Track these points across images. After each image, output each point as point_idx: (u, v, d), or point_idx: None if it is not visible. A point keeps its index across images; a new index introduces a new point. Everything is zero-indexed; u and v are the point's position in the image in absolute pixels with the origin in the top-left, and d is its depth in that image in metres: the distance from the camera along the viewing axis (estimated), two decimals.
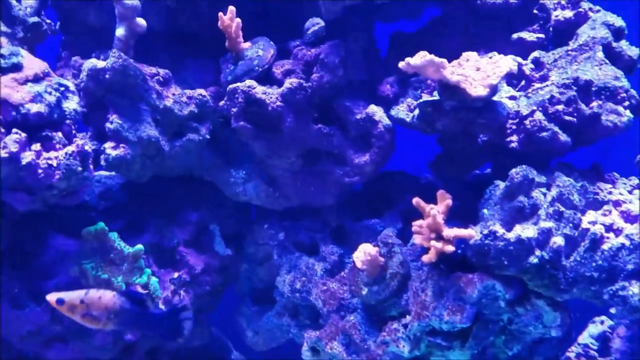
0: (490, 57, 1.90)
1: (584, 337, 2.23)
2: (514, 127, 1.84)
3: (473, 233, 1.67)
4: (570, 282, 1.68)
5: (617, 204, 1.79)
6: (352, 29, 2.13)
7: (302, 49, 2.07)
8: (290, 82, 1.99)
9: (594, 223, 1.71)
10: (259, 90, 1.99)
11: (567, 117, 1.78)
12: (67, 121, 1.72)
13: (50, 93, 1.68)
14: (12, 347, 1.85)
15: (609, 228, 1.71)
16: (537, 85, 1.94)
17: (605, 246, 1.67)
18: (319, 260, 2.14)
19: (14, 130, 1.58)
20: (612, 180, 1.90)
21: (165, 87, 2.00)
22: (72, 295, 1.52)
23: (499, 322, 1.77)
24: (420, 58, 1.71)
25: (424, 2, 2.24)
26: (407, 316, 1.80)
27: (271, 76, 2.06)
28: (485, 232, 1.67)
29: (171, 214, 2.20)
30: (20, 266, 1.82)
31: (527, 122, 1.80)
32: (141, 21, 1.91)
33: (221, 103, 2.06)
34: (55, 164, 1.61)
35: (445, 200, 1.73)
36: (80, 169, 1.67)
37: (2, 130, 1.56)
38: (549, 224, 1.66)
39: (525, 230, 1.65)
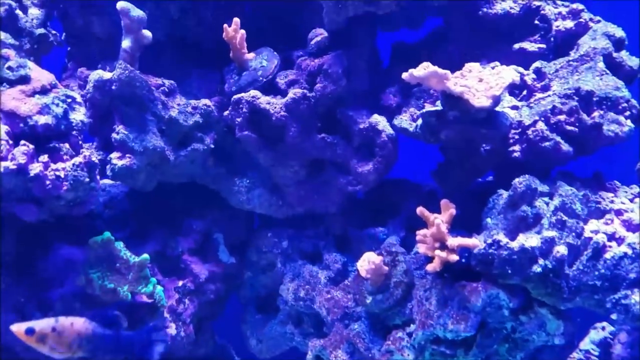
0: (493, 68, 1.92)
1: (585, 343, 2.24)
2: (516, 137, 1.86)
3: (477, 242, 1.69)
4: (573, 290, 1.69)
5: (619, 212, 1.80)
6: (355, 39, 2.15)
7: (305, 59, 2.09)
8: (294, 92, 2.01)
9: (596, 232, 1.73)
10: (263, 100, 2.01)
11: (569, 127, 1.80)
12: (74, 132, 1.73)
13: (57, 105, 1.69)
14: (17, 356, 1.86)
15: (611, 237, 1.73)
16: (538, 95, 1.96)
17: (607, 255, 1.69)
18: (323, 269, 2.15)
19: (22, 142, 1.59)
20: (614, 189, 1.91)
21: (170, 98, 2.02)
22: (42, 324, 1.50)
23: (502, 330, 1.78)
24: (424, 69, 1.73)
25: (425, 12, 2.26)
26: (412, 325, 1.81)
27: (275, 86, 2.08)
28: (489, 241, 1.69)
29: (175, 223, 2.22)
30: (26, 275, 1.83)
31: (529, 132, 1.82)
32: (147, 33, 1.92)
33: (226, 113, 2.07)
34: (62, 175, 1.63)
35: (449, 210, 1.74)
36: (87, 179, 1.68)
37: (11, 142, 1.58)
38: (552, 233, 1.68)
39: (529, 240, 1.67)
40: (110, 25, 2.08)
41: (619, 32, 2.01)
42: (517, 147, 1.85)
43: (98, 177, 1.79)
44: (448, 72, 1.74)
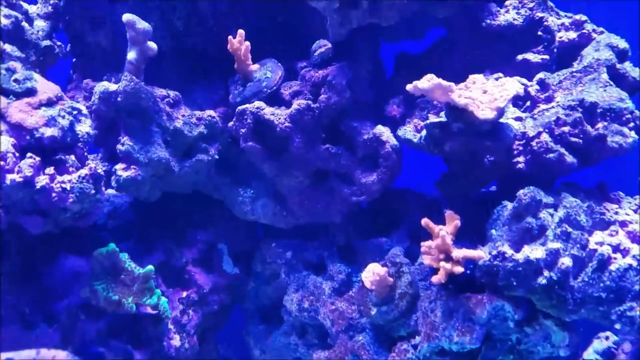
0: (497, 79, 1.92)
1: (589, 353, 2.24)
2: (520, 148, 1.86)
3: (482, 254, 1.69)
4: (578, 302, 1.69)
5: (623, 224, 1.80)
6: (359, 50, 2.16)
7: (309, 71, 2.09)
8: (298, 104, 2.01)
9: (601, 244, 1.72)
10: (268, 111, 2.02)
11: (573, 139, 1.81)
12: (80, 144, 1.74)
13: (63, 117, 1.70)
14: None
15: (616, 249, 1.73)
16: (542, 106, 1.96)
17: (612, 267, 1.69)
18: (327, 279, 2.15)
19: (29, 154, 1.60)
20: (618, 200, 1.91)
21: (175, 109, 2.03)
22: (24, 355, 1.49)
23: (507, 342, 1.78)
24: (428, 81, 1.73)
25: (429, 23, 2.27)
26: (417, 337, 1.81)
27: (279, 97, 2.09)
28: (494, 252, 1.69)
29: (180, 233, 2.22)
30: (31, 286, 1.83)
31: (533, 143, 1.82)
32: (152, 45, 1.93)
33: (230, 124, 2.08)
34: (68, 187, 1.63)
35: (453, 221, 1.74)
36: (93, 191, 1.69)
37: (17, 154, 1.58)
38: (557, 244, 1.68)
39: (534, 251, 1.67)
40: (115, 37, 2.09)
41: (622, 44, 2.02)
42: (521, 159, 1.85)
43: (103, 188, 1.79)
44: (452, 84, 1.74)
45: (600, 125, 1.84)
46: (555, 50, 2.11)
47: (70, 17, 2.16)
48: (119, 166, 1.91)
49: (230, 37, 1.99)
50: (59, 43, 2.11)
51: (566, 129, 1.81)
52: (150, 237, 2.19)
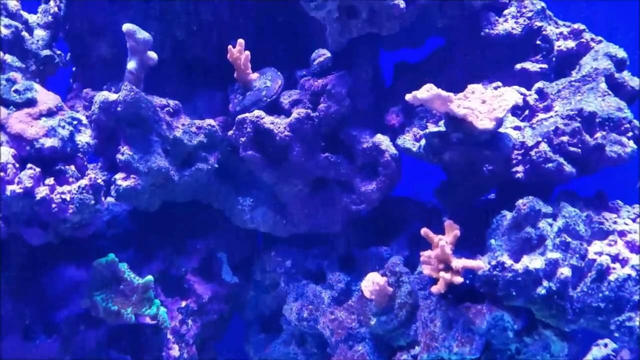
0: (495, 89, 1.93)
1: None
2: (519, 157, 1.86)
3: (481, 264, 1.69)
4: (578, 312, 1.69)
5: (622, 234, 1.80)
6: (358, 59, 2.16)
7: (309, 80, 2.10)
8: (297, 112, 2.02)
9: (600, 254, 1.73)
10: (267, 120, 2.02)
11: (571, 148, 1.81)
12: (80, 154, 1.75)
13: (63, 127, 1.70)
14: None
15: (614, 258, 1.73)
16: (541, 115, 1.97)
17: (611, 277, 1.69)
18: (326, 288, 2.15)
19: (29, 165, 1.60)
20: (617, 209, 1.91)
21: (175, 118, 2.03)
22: None
23: (507, 351, 1.78)
24: (427, 91, 1.74)
25: (428, 32, 2.28)
26: (416, 347, 1.81)
27: (279, 106, 2.10)
28: (494, 262, 1.69)
29: (179, 242, 2.22)
30: (31, 297, 1.83)
31: (532, 153, 1.82)
32: (152, 54, 1.94)
33: (230, 133, 2.09)
34: (68, 198, 1.63)
35: (453, 231, 1.74)
36: (92, 202, 1.69)
37: (17, 165, 1.58)
38: (556, 254, 1.68)
39: (533, 261, 1.67)
40: (116, 46, 2.10)
41: (621, 53, 2.02)
42: (520, 168, 1.85)
43: (103, 198, 1.79)
44: (451, 94, 1.75)
45: (598, 134, 1.85)
46: (553, 59, 2.12)
47: (70, 26, 2.16)
48: (119, 175, 1.91)
49: (230, 46, 1.99)
50: (59, 52, 2.12)
51: (565, 138, 1.82)
52: (149, 245, 2.19)
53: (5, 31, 1.88)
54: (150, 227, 2.22)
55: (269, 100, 2.07)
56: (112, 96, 1.90)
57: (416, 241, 2.02)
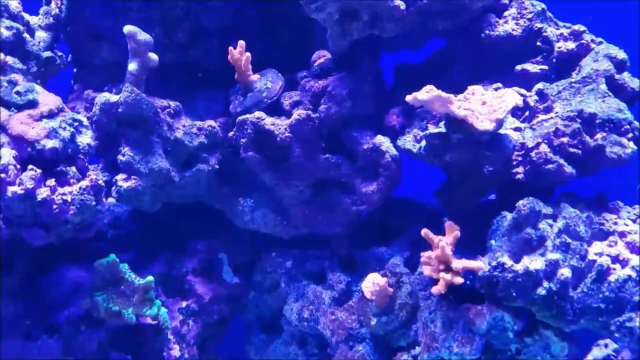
0: (496, 90, 1.93)
1: None
2: (519, 159, 1.86)
3: (482, 265, 1.69)
4: (578, 313, 1.69)
5: (622, 234, 1.81)
6: (358, 61, 2.17)
7: (309, 81, 2.11)
8: (298, 114, 2.02)
9: (600, 254, 1.73)
10: (268, 121, 2.02)
11: (572, 149, 1.81)
12: (81, 155, 1.75)
13: (64, 128, 1.70)
14: None
15: (615, 259, 1.73)
16: (541, 116, 1.97)
17: (611, 278, 1.69)
18: (327, 289, 2.15)
19: (30, 166, 1.61)
20: (617, 209, 1.92)
21: (175, 119, 2.03)
22: None
23: (507, 352, 1.78)
24: (427, 93, 1.74)
25: (429, 34, 2.28)
26: (417, 347, 1.81)
27: (279, 107, 2.10)
28: (494, 263, 1.69)
29: (180, 243, 2.22)
30: (32, 298, 1.83)
31: (532, 154, 1.82)
32: (153, 56, 1.94)
33: (230, 134, 2.09)
34: (69, 199, 1.63)
35: (453, 232, 1.75)
36: (94, 203, 1.69)
37: (18, 166, 1.59)
38: (556, 255, 1.68)
39: (533, 262, 1.67)
40: (117, 48, 2.10)
41: (621, 54, 2.03)
42: (520, 169, 1.86)
43: (104, 199, 1.80)
44: (452, 95, 1.75)
45: (599, 136, 1.85)
46: (554, 60, 2.12)
47: (71, 28, 2.17)
48: (120, 177, 1.92)
49: (230, 47, 2.00)
50: (60, 54, 2.12)
51: (565, 139, 1.82)
52: (150, 246, 2.20)
53: (6, 33, 1.89)
54: (151, 228, 2.22)
55: (269, 101, 2.08)
56: (113, 97, 1.90)
57: (416, 242, 2.02)
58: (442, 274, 1.69)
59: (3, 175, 1.56)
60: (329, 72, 2.10)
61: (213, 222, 2.27)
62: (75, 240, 1.82)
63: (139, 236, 2.21)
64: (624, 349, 2.21)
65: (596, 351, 2.24)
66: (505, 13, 2.14)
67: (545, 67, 2.11)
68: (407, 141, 2.08)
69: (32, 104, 1.69)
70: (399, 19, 1.94)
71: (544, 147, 1.82)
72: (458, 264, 1.68)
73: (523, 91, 2.04)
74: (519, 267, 1.67)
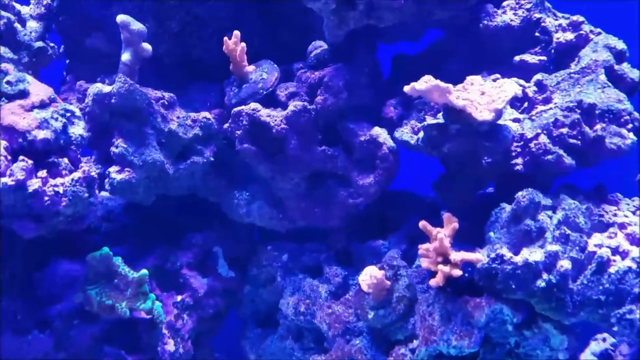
0: (494, 80, 1.91)
1: (586, 355, 2.22)
2: (518, 150, 1.84)
3: (480, 257, 1.67)
4: (578, 305, 1.68)
5: (622, 226, 1.79)
6: (355, 52, 2.14)
7: (305, 72, 2.08)
8: (294, 105, 1.99)
9: (600, 246, 1.71)
10: (264, 113, 2.00)
11: (571, 140, 1.79)
12: (73, 147, 1.72)
13: (56, 119, 1.68)
14: None
15: (615, 251, 1.72)
16: (540, 107, 1.95)
17: (611, 269, 1.68)
18: (323, 282, 2.13)
19: (21, 157, 1.58)
20: (616, 201, 1.90)
21: (170, 111, 2.01)
22: None
23: (506, 345, 1.76)
24: (426, 83, 1.72)
25: (426, 24, 2.26)
26: (415, 340, 1.79)
27: (275, 98, 2.07)
28: (493, 255, 1.67)
29: (174, 236, 2.20)
30: (24, 292, 1.80)
31: (532, 145, 1.81)
32: (147, 46, 1.91)
33: (225, 125, 2.06)
34: (61, 191, 1.61)
35: (451, 224, 1.73)
36: (86, 195, 1.66)
37: (9, 157, 1.56)
38: (556, 247, 1.67)
39: (533, 254, 1.65)
40: (110, 38, 2.07)
41: (620, 45, 2.01)
42: (519, 160, 1.84)
43: (97, 191, 1.77)
44: (450, 85, 1.73)
45: (598, 126, 1.83)
46: (552, 51, 2.10)
47: (63, 18, 2.14)
48: (113, 169, 1.89)
49: (225, 38, 1.97)
50: (52, 44, 2.09)
51: (564, 130, 1.80)
52: (144, 240, 2.17)
53: None
54: (145, 221, 2.20)
55: (265, 92, 2.05)
56: (106, 88, 1.87)
57: (414, 235, 2.00)
58: (440, 266, 1.67)
59: None
60: (325, 63, 2.07)
61: (208, 215, 2.24)
62: (67, 232, 1.80)
63: (132, 229, 2.18)
64: (622, 343, 2.20)
65: (594, 345, 2.23)
66: (504, 3, 2.12)
67: (544, 57, 2.09)
68: (405, 133, 2.05)
69: (23, 94, 1.66)
70: (398, 8, 1.91)
71: (543, 138, 1.80)
72: (456, 256, 1.66)
73: (522, 82, 2.02)
74: (518, 259, 1.65)
